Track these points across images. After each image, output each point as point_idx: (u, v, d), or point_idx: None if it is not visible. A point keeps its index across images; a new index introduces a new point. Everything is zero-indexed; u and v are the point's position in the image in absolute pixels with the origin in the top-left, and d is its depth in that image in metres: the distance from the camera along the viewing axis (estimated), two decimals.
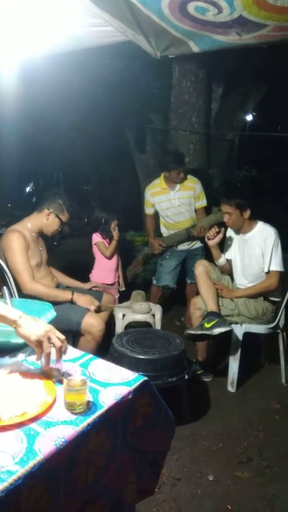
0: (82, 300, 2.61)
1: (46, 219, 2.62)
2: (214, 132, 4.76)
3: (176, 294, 3.92)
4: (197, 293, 2.95)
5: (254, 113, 6.72)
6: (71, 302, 2.58)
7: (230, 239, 2.96)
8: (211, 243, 2.87)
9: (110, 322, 3.05)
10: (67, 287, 2.90)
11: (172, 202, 3.53)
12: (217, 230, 2.83)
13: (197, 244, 3.62)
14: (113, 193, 7.80)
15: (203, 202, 3.61)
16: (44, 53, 2.40)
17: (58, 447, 1.04)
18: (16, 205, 6.54)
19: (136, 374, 1.38)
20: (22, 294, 2.53)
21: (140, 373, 1.42)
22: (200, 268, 2.88)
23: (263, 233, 2.73)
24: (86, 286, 3.01)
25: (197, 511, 1.87)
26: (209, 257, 3.11)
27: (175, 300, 4.10)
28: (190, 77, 4.35)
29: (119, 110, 5.14)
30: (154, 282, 3.78)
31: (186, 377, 2.38)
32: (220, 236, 2.85)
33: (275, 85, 4.85)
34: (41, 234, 2.71)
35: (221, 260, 2.94)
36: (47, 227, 2.65)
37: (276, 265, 2.69)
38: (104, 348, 2.54)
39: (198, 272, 2.87)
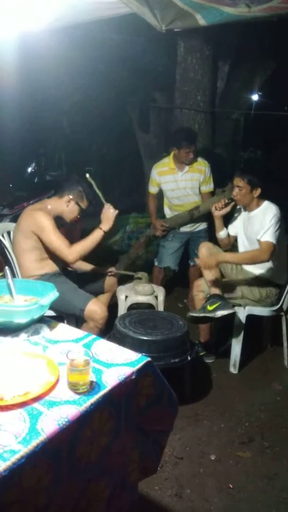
0: (106, 223, 2.59)
1: (66, 206, 2.63)
2: (219, 111, 4.65)
3: (179, 276, 3.90)
4: (200, 275, 2.93)
5: (260, 93, 6.57)
6: (105, 233, 2.59)
7: (237, 216, 2.93)
8: (217, 213, 2.85)
9: (112, 304, 3.04)
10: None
11: (179, 183, 3.46)
12: (226, 201, 2.80)
13: (201, 226, 3.58)
14: (116, 173, 7.71)
15: (210, 187, 3.53)
16: (43, 27, 2.31)
17: (61, 426, 1.04)
18: (17, 186, 6.47)
19: (139, 355, 1.37)
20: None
21: (143, 354, 1.42)
22: (204, 250, 2.84)
23: (266, 211, 2.69)
24: (101, 270, 2.99)
25: (199, 489, 1.89)
26: (213, 239, 3.08)
27: (178, 282, 4.08)
28: (195, 53, 4.22)
29: (122, 88, 5.03)
30: (156, 263, 3.76)
31: (189, 358, 2.38)
32: (227, 209, 2.82)
33: (283, 62, 4.71)
34: (57, 219, 2.68)
35: (222, 233, 2.92)
36: (67, 213, 2.65)
37: (270, 237, 2.59)
38: (105, 328, 2.55)
39: (202, 254, 2.84)
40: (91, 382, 1.19)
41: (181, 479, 1.94)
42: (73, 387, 1.17)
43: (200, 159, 3.50)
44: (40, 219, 2.50)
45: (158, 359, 2.20)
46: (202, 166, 3.48)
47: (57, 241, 2.51)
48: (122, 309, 3.09)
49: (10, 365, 1.24)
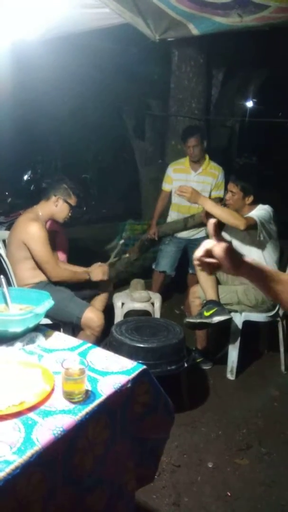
0: (95, 275, 2.70)
1: (55, 206, 2.62)
2: (214, 118, 4.69)
3: (175, 282, 3.91)
4: (198, 282, 2.93)
5: (254, 100, 6.63)
6: (89, 280, 2.69)
7: None
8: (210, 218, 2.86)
9: (108, 309, 3.02)
10: None
11: (190, 184, 3.44)
12: (220, 205, 2.81)
13: (199, 234, 3.56)
14: (111, 180, 7.73)
15: (220, 193, 3.53)
16: (38, 37, 2.33)
17: (56, 436, 1.03)
18: (13, 193, 6.48)
19: (135, 363, 1.37)
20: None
21: (140, 361, 1.42)
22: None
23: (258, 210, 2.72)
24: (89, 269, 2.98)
25: (196, 497, 1.88)
26: None
27: (175, 288, 4.09)
28: (190, 62, 4.27)
29: (118, 96, 5.06)
30: (153, 267, 3.77)
31: (186, 365, 2.38)
32: None
33: (276, 70, 4.77)
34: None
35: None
36: (57, 214, 2.64)
37: (254, 215, 2.63)
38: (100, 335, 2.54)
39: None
40: (87, 391, 1.19)
41: (179, 487, 1.93)
42: (68, 396, 1.17)
43: (214, 164, 3.54)
44: (33, 230, 2.48)
45: (154, 367, 2.19)
46: (216, 171, 3.51)
47: (47, 254, 2.51)
48: (118, 316, 3.09)
49: (5, 374, 1.24)
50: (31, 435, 1.02)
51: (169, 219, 3.67)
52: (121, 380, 1.27)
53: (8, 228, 4.01)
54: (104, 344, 2.46)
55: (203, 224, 3.40)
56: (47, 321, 2.48)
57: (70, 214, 2.66)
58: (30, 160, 7.44)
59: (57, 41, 2.80)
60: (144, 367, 1.35)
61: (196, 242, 3.55)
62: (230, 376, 2.83)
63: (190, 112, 4.39)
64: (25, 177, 7.31)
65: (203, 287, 2.75)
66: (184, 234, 3.58)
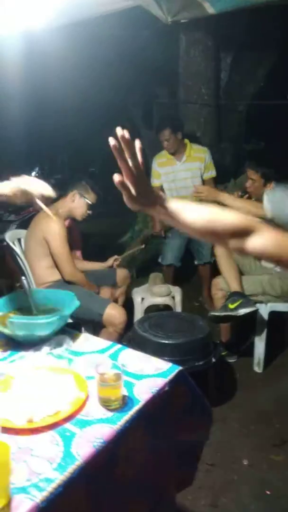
0: (103, 294, 2.68)
1: (72, 201, 2.58)
2: (225, 103, 4.56)
3: (188, 274, 3.80)
4: (212, 273, 2.84)
5: (261, 84, 6.44)
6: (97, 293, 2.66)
7: None
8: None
9: (127, 306, 2.95)
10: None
11: (178, 174, 3.36)
12: (240, 194, 2.71)
13: None
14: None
15: (212, 173, 3.43)
16: (47, 24, 2.23)
17: (97, 448, 0.96)
18: None
19: (170, 364, 1.30)
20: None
21: (166, 358, 1.36)
22: (220, 248, 2.76)
23: None
24: (106, 264, 2.94)
25: (234, 497, 1.81)
26: None
27: (184, 279, 3.97)
28: (198, 46, 4.14)
29: (125, 85, 4.95)
30: (160, 260, 3.68)
31: (213, 360, 2.30)
32: None
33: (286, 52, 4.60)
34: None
35: None
36: (75, 209, 2.60)
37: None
38: None
39: (218, 253, 2.75)
40: (123, 397, 1.12)
41: (215, 487, 1.86)
42: (105, 403, 1.10)
43: (197, 146, 3.41)
44: (55, 226, 2.44)
45: (182, 363, 2.06)
46: (201, 154, 3.38)
47: (65, 252, 2.48)
48: (138, 312, 3.02)
49: (36, 382, 1.17)
50: (70, 449, 0.95)
51: None
52: (158, 383, 1.20)
53: (19, 226, 3.96)
54: (125, 340, 2.39)
55: None
56: (68, 320, 2.41)
57: (88, 211, 2.60)
58: (38, 156, 7.37)
59: (64, 31, 2.71)
60: (181, 368, 1.28)
61: None
62: (257, 368, 2.75)
63: (200, 98, 4.27)
64: (33, 174, 7.23)
65: (226, 279, 2.66)
66: None
